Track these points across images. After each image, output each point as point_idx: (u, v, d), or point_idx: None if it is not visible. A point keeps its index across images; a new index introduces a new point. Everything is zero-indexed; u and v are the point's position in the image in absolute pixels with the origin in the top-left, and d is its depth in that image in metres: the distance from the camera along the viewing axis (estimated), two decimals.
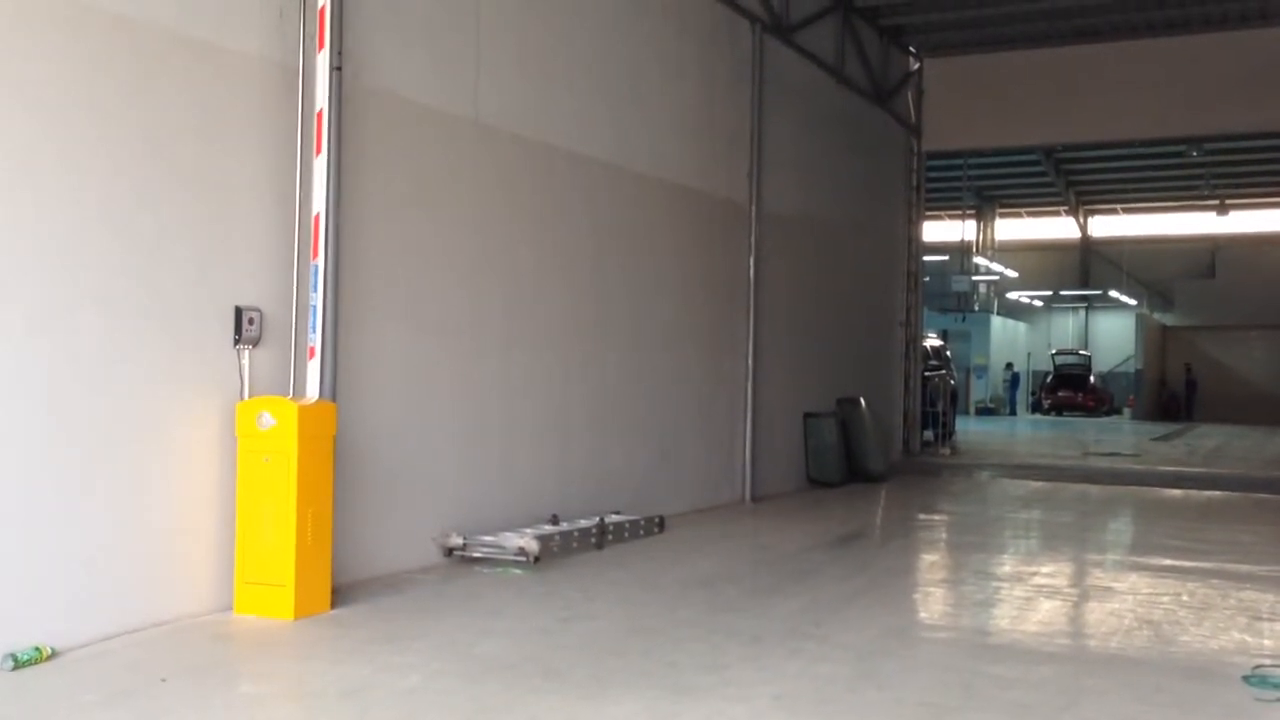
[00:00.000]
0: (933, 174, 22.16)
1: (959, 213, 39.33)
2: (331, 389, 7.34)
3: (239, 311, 6.86)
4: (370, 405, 7.95)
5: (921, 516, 13.45)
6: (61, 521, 5.92)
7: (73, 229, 6.00)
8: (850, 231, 17.25)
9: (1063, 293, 44.01)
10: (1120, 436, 29.94)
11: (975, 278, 39.98)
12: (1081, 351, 44.55)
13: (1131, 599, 8.18)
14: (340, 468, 7.27)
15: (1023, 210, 44.52)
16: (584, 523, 9.66)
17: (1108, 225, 45.06)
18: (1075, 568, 9.93)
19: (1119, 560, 10.39)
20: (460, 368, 8.96)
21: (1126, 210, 43.75)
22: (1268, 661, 6.30)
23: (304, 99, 7.29)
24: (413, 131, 8.41)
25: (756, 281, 13.69)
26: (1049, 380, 42.72)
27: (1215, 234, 42.03)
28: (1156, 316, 44.13)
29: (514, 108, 9.53)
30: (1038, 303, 45.71)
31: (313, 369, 7.18)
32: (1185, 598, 8.23)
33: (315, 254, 7.26)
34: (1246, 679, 5.93)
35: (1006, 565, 9.82)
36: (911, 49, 19.26)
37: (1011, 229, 45.00)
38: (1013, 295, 44.51)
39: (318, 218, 7.27)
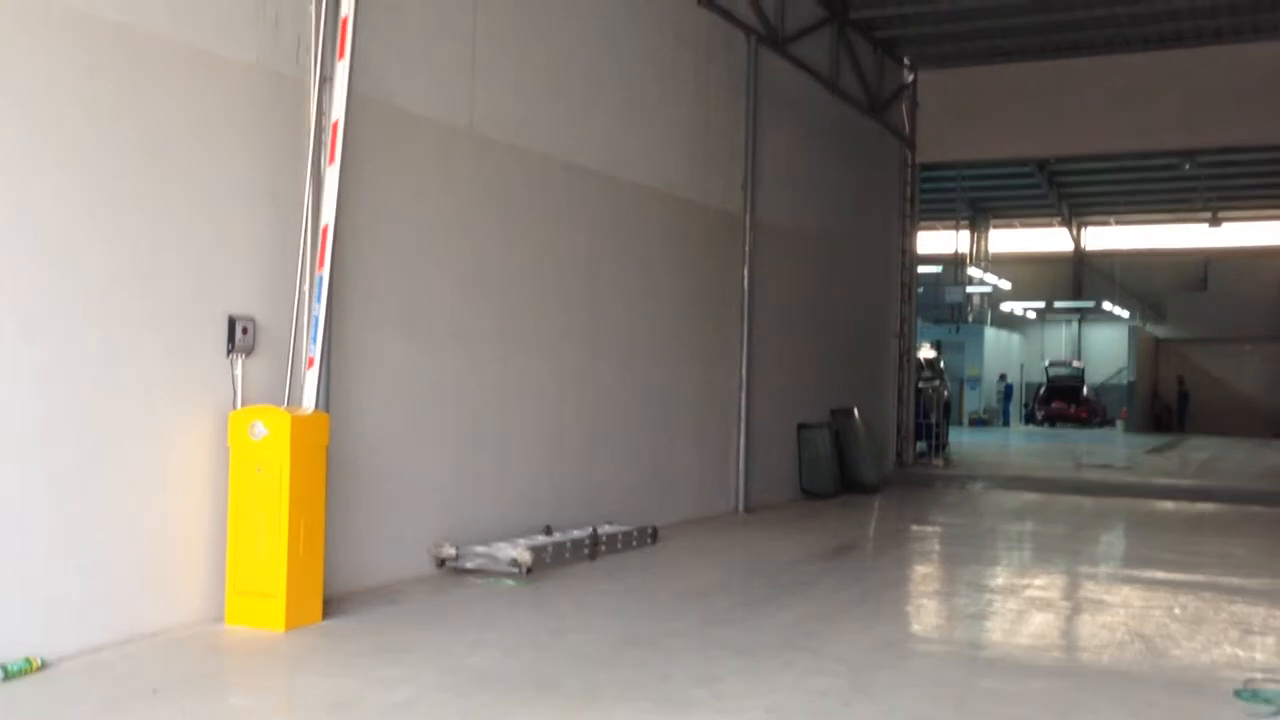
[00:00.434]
0: (927, 185, 22.20)
1: (953, 224, 39.41)
2: (325, 399, 7.33)
3: (232, 320, 6.85)
4: (364, 414, 7.94)
5: (915, 528, 13.45)
6: (52, 531, 5.90)
7: (67, 235, 5.99)
8: (844, 242, 17.28)
9: (1056, 304, 44.09)
10: (1113, 448, 29.99)
11: (969, 289, 40.05)
12: (1075, 363, 44.64)
13: (1124, 612, 8.18)
14: (333, 478, 7.25)
15: (1016, 221, 44.62)
16: (577, 533, 9.65)
17: (1101, 237, 45.19)
18: (1068, 580, 9.93)
19: (1111, 573, 10.40)
20: (454, 377, 8.95)
21: (1119, 222, 43.88)
22: (1260, 676, 6.31)
23: (314, 109, 7.31)
24: (408, 141, 8.42)
25: (751, 292, 13.70)
26: (1042, 392, 42.81)
27: (1207, 247, 42.17)
28: (1149, 329, 44.24)
29: (510, 118, 9.54)
30: (1031, 314, 45.79)
31: (310, 379, 7.16)
32: (1177, 611, 8.24)
33: (321, 264, 7.18)
34: (1238, 693, 5.93)
35: (999, 577, 9.82)
36: (906, 61, 19.32)
37: (1005, 240, 45.11)
38: (1006, 307, 44.59)
39: (326, 229, 7.18)
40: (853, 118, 17.17)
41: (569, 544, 9.30)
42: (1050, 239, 45.34)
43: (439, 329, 8.78)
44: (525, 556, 8.49)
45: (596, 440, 10.86)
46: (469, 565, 8.55)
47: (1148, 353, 42.51)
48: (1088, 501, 16.42)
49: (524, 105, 9.74)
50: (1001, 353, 44.29)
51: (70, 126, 6.01)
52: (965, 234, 41.85)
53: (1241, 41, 17.51)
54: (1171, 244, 43.43)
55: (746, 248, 13.64)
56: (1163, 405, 42.32)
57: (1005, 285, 41.99)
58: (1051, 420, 41.70)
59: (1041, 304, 44.10)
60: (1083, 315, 46.31)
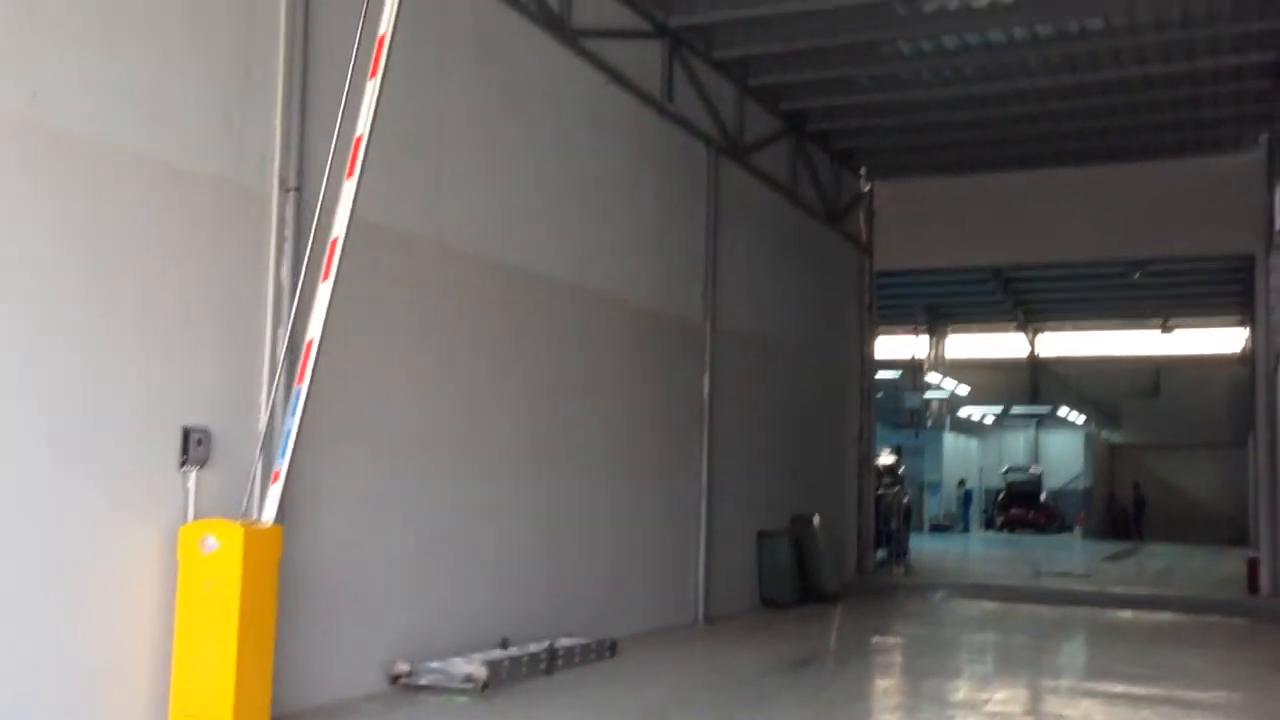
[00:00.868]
0: (885, 290, 22.51)
1: (911, 329, 39.90)
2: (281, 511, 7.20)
3: (187, 432, 6.76)
4: (319, 527, 7.80)
5: (876, 639, 13.33)
6: None
7: (22, 342, 5.92)
8: (804, 348, 17.43)
9: (1013, 410, 44.54)
10: (1071, 555, 30.03)
11: (928, 394, 40.40)
12: (1032, 469, 44.94)
13: None
14: (285, 592, 7.09)
15: (973, 327, 45.26)
16: (534, 647, 9.47)
17: (1056, 343, 45.88)
18: (1029, 694, 9.84)
19: (1072, 686, 10.32)
20: (412, 488, 8.85)
21: (1074, 328, 44.62)
22: None
23: (276, 221, 7.32)
24: (371, 250, 8.43)
25: (711, 398, 13.74)
26: (1001, 497, 42.99)
27: (1159, 354, 42.90)
28: (1105, 435, 44.71)
29: (474, 227, 9.61)
30: (989, 419, 46.20)
31: (274, 493, 6.94)
32: None
33: (301, 378, 6.92)
34: None
35: (961, 691, 9.72)
36: (862, 171, 19.75)
37: (963, 345, 45.69)
38: (964, 412, 44.96)
39: (311, 344, 6.92)
40: (811, 225, 17.46)
41: (525, 659, 9.13)
42: (1007, 344, 45.98)
43: (398, 439, 8.70)
44: (480, 672, 8.31)
45: (556, 551, 10.73)
46: (423, 682, 8.35)
47: (1104, 458, 42.90)
48: (1047, 611, 16.37)
49: (489, 215, 9.83)
50: (960, 458, 44.52)
51: (30, 234, 5.98)
52: (923, 339, 42.38)
53: (1182, 157, 18.10)
54: (1124, 350, 44.15)
55: (707, 355, 13.72)
56: (1120, 511, 42.57)
57: (963, 390, 42.41)
58: (1010, 526, 41.81)
59: (999, 409, 44.54)
60: (1040, 421, 46.78)
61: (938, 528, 39.94)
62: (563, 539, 10.87)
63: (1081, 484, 43.05)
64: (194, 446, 6.77)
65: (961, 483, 43.12)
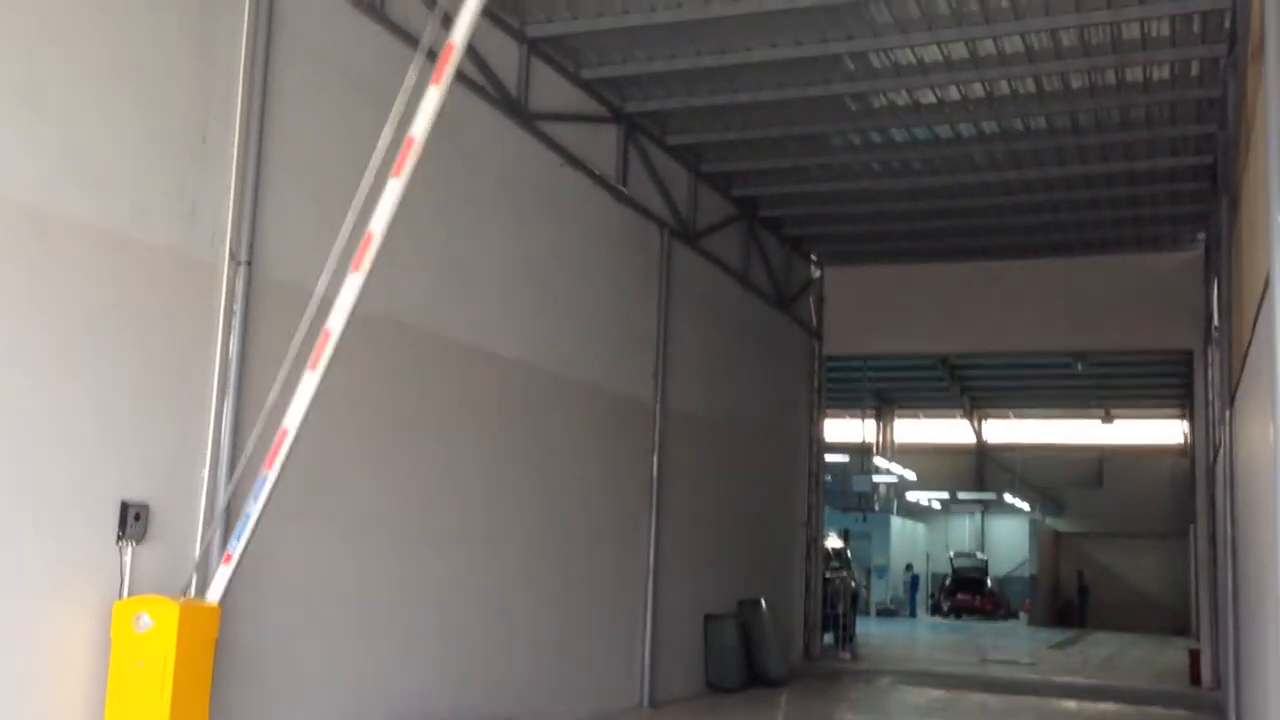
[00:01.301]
0: (834, 374, 22.75)
1: (860, 413, 40.23)
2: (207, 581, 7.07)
3: (125, 506, 6.64)
4: (258, 605, 7.66)
5: None
6: None
7: None
8: (753, 431, 17.51)
9: (960, 495, 44.87)
10: (1017, 642, 30.08)
11: (875, 478, 40.62)
12: (979, 555, 45.17)
13: None
14: (220, 671, 6.93)
15: (920, 413, 45.75)
16: None
17: (1001, 430, 46.45)
18: None
19: None
20: (358, 566, 8.73)
21: (1018, 416, 45.23)
22: None
23: (225, 294, 7.29)
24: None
25: (660, 479, 13.73)
26: (947, 583, 43.11)
27: (1101, 444, 43.56)
28: (1049, 522, 45.10)
29: (426, 305, 9.63)
30: (936, 504, 46.48)
31: (223, 574, 6.76)
32: None
33: (270, 465, 6.72)
34: None
35: None
36: (813, 257, 20.07)
37: (910, 430, 46.12)
38: (912, 496, 45.23)
39: (285, 433, 6.73)
40: (762, 309, 17.66)
41: None
42: (953, 430, 46.49)
43: (344, 517, 8.60)
44: None
45: (501, 631, 10.59)
46: None
47: (1049, 546, 43.24)
48: (994, 700, 16.35)
49: (441, 293, 9.86)
50: (908, 542, 44.66)
51: None
52: (872, 423, 42.74)
53: (1124, 252, 18.60)
54: (1068, 439, 44.80)
55: (656, 435, 13.74)
56: (1064, 599, 42.80)
57: (911, 475, 42.70)
58: (957, 612, 41.89)
59: (946, 494, 44.85)
60: (986, 507, 47.14)
61: (885, 612, 39.89)
62: (508, 619, 10.74)
63: (1027, 571, 43.29)
64: (132, 521, 6.65)
65: (909, 567, 43.21)
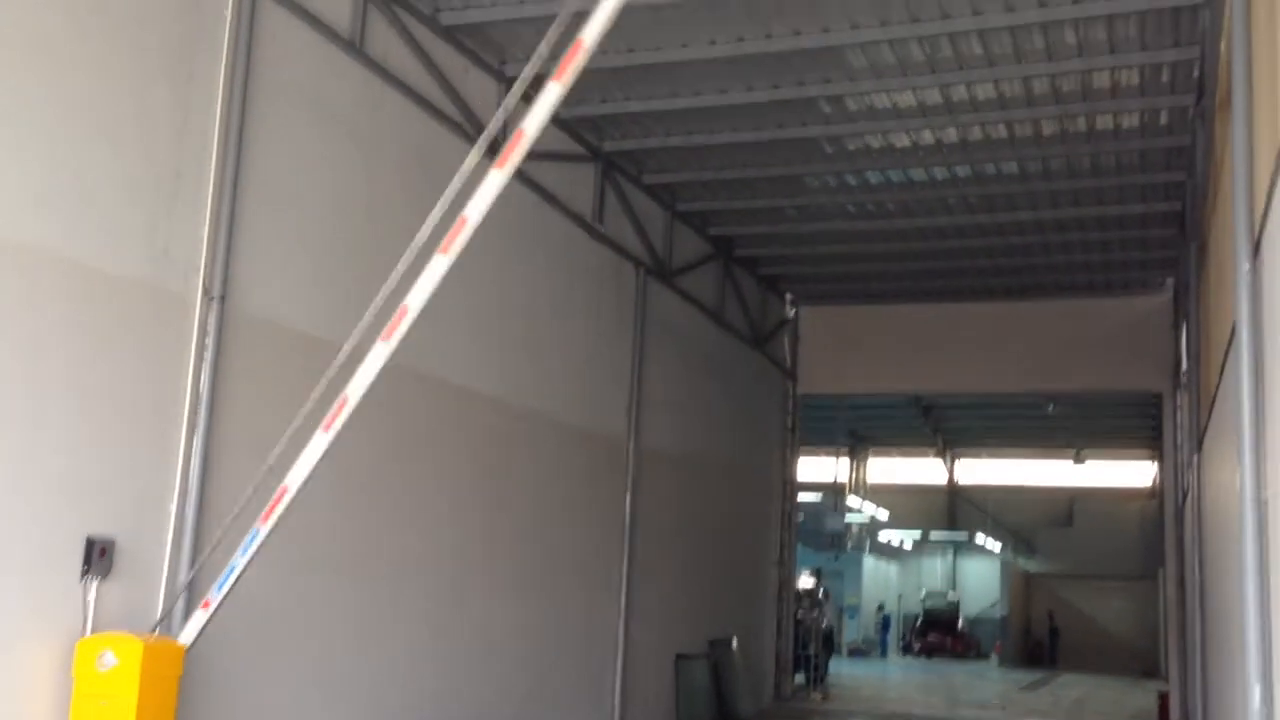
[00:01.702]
0: (808, 413, 22.81)
1: (833, 451, 40.31)
2: (181, 625, 6.98)
3: (90, 542, 6.56)
4: (222, 643, 7.55)
5: None
6: None
7: None
8: (726, 469, 17.51)
9: (932, 535, 44.93)
10: (988, 684, 30.05)
11: (848, 517, 40.64)
12: (950, 595, 45.18)
13: None
14: (184, 709, 6.83)
15: (894, 451, 45.87)
16: None
17: (974, 470, 46.62)
18: None
19: None
20: (324, 604, 8.64)
21: (991, 456, 45.41)
22: None
23: (197, 328, 7.24)
24: (295, 361, 8.37)
25: (633, 518, 13.70)
26: (919, 623, 43.09)
27: (1073, 485, 43.77)
28: (1020, 563, 45.19)
29: (401, 342, 9.57)
30: (908, 544, 46.51)
31: (198, 619, 6.63)
32: None
33: (265, 519, 6.48)
34: None
35: None
36: (788, 297, 20.18)
37: (883, 469, 46.21)
38: (884, 536, 45.25)
39: (285, 490, 6.49)
40: (737, 348, 17.72)
41: None
42: (926, 470, 46.62)
43: (311, 553, 8.52)
44: None
45: (468, 669, 10.50)
46: None
47: (1019, 586, 43.29)
48: None
49: (417, 329, 9.80)
50: (880, 582, 44.62)
51: None
52: (845, 462, 42.80)
53: (1095, 296, 18.80)
54: (1040, 480, 44.99)
55: (630, 473, 13.72)
56: (1035, 640, 42.82)
57: (883, 515, 42.74)
58: (928, 652, 41.84)
59: (918, 534, 44.89)
60: (958, 547, 47.21)
61: (856, 652, 39.80)
62: (476, 657, 10.65)
63: (998, 611, 43.31)
64: (97, 557, 6.56)
65: (880, 607, 43.16)
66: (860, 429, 41.91)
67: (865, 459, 44.99)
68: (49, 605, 6.38)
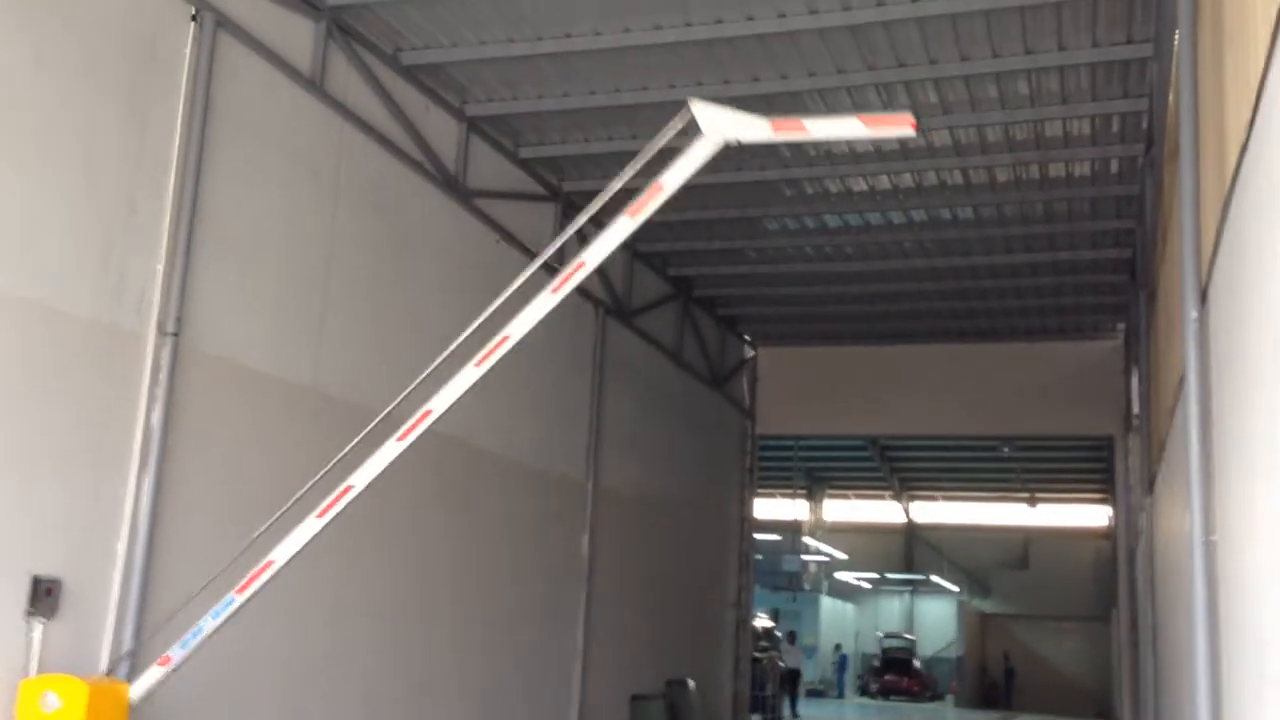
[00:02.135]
0: (766, 453, 22.89)
1: (791, 492, 40.39)
2: (129, 666, 6.85)
3: (36, 581, 6.43)
4: (173, 683, 7.41)
5: None
6: None
7: None
8: (684, 509, 17.49)
9: (888, 576, 45.07)
10: None
11: (806, 557, 40.67)
12: (907, 635, 45.26)
13: None
14: None
15: (851, 493, 46.03)
16: None
17: (929, 512, 46.86)
18: None
19: None
20: (278, 643, 8.51)
21: (946, 498, 45.69)
22: None
23: (149, 364, 7.16)
24: (249, 398, 8.31)
25: (591, 557, 13.63)
26: (876, 663, 43.11)
27: (1027, 526, 44.12)
28: (976, 603, 45.40)
29: (355, 379, 9.54)
30: (865, 584, 46.61)
31: (155, 674, 6.45)
32: None
33: (243, 589, 6.35)
34: None
35: None
36: (747, 337, 20.28)
37: (840, 510, 46.34)
38: (842, 576, 45.31)
39: (269, 565, 6.36)
40: (696, 388, 17.75)
41: None
42: (883, 510, 46.81)
43: (261, 593, 8.38)
44: None
45: (426, 710, 10.36)
46: None
47: (975, 627, 43.46)
48: None
49: (371, 367, 9.78)
50: (837, 622, 44.64)
51: None
52: (802, 503, 42.89)
53: (1048, 340, 19.04)
54: (994, 521, 45.30)
55: (588, 513, 13.67)
56: (990, 681, 42.95)
57: (841, 555, 42.82)
58: (885, 693, 41.83)
59: (875, 575, 45.01)
60: (914, 587, 47.37)
61: (814, 692, 39.70)
62: (432, 698, 10.51)
63: (954, 652, 43.43)
64: (42, 596, 6.44)
65: (837, 647, 43.15)
66: (818, 470, 42.05)
67: (822, 500, 45.11)
68: None
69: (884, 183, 13.11)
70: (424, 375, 6.32)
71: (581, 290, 13.67)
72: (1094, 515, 41.68)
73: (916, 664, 42.88)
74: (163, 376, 7.32)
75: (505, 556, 11.99)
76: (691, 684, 16.31)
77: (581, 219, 6.47)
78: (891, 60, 10.12)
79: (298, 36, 8.92)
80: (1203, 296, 6.07)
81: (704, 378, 17.99)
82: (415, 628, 10.31)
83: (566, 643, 13.24)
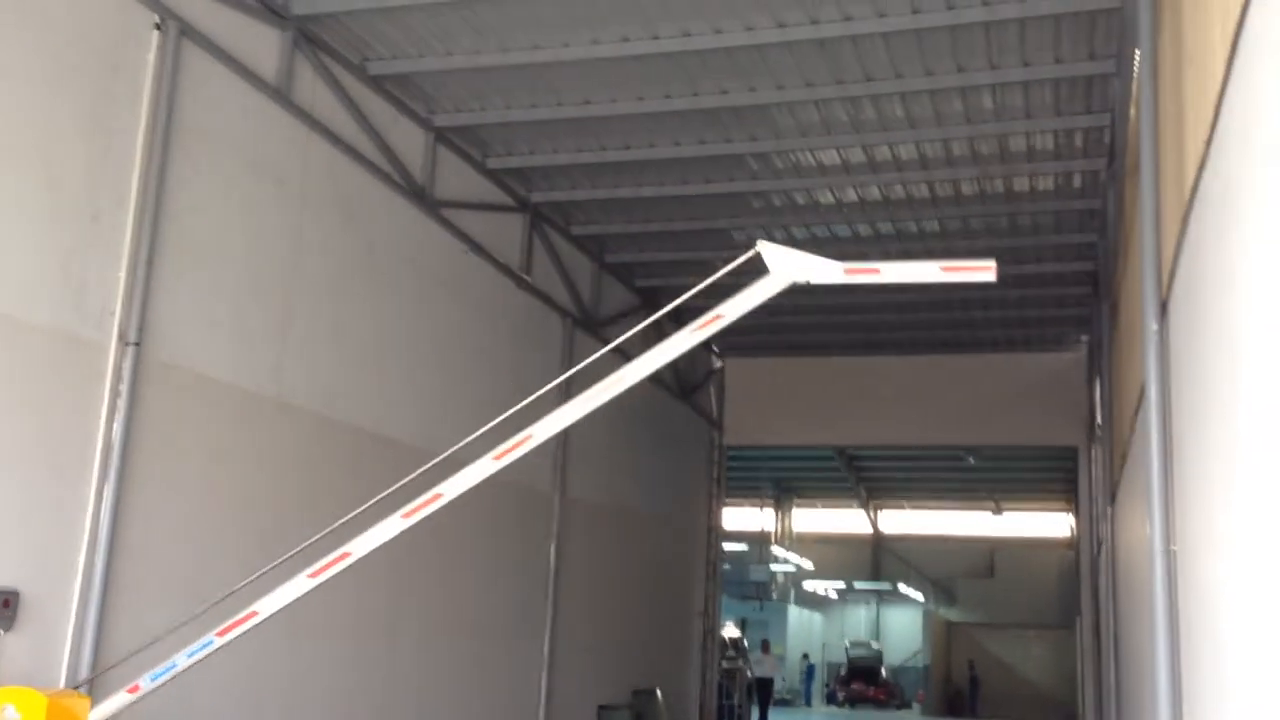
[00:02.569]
0: (734, 463, 22.93)
1: (758, 502, 40.48)
2: (89, 679, 6.77)
3: None
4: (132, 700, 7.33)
5: None
6: None
7: None
8: (652, 520, 17.49)
9: (855, 585, 45.21)
10: None
11: (773, 567, 40.75)
12: (873, 644, 45.42)
13: None
14: None
15: (818, 502, 46.18)
16: None
17: (896, 521, 47.09)
18: None
19: None
20: (237, 655, 8.42)
21: (913, 507, 45.93)
22: None
23: (111, 374, 7.09)
24: (211, 408, 8.24)
25: (557, 568, 13.60)
26: (843, 672, 43.22)
27: (993, 535, 44.42)
28: (942, 612, 45.63)
29: (319, 389, 9.49)
30: (833, 594, 46.74)
31: (121, 700, 6.22)
32: None
33: (224, 633, 6.22)
34: None
35: None
36: (715, 348, 20.32)
37: (808, 520, 46.48)
38: (809, 585, 45.42)
39: (253, 615, 6.25)
40: (664, 399, 17.77)
41: None
42: (850, 520, 46.98)
43: (223, 607, 8.30)
44: None
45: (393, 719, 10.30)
46: None
47: (941, 635, 43.67)
48: None
49: (335, 377, 9.73)
50: (804, 631, 44.72)
51: None
52: (770, 512, 42.98)
53: (1013, 351, 19.22)
54: (960, 530, 45.58)
55: (555, 524, 13.64)
56: (956, 689, 43.16)
57: (808, 565, 42.92)
58: (852, 702, 41.94)
59: (842, 584, 45.14)
60: (881, 596, 47.54)
61: (781, 701, 39.74)
62: (398, 708, 10.44)
63: (920, 660, 43.61)
64: (0, 608, 6.35)
65: (805, 656, 43.22)
66: (785, 480, 42.17)
67: (790, 509, 45.23)
68: None
69: (851, 195, 13.19)
70: (474, 435, 6.13)
71: (549, 301, 13.68)
72: (1058, 524, 42.04)
73: (883, 673, 43.03)
74: (124, 386, 7.25)
75: (472, 568, 11.94)
76: (659, 694, 16.30)
77: (652, 318, 6.52)
78: (859, 74, 10.20)
79: (264, 46, 8.88)
80: (1163, 309, 6.14)
81: (672, 388, 18.02)
82: (378, 639, 10.25)
83: (533, 653, 13.20)
